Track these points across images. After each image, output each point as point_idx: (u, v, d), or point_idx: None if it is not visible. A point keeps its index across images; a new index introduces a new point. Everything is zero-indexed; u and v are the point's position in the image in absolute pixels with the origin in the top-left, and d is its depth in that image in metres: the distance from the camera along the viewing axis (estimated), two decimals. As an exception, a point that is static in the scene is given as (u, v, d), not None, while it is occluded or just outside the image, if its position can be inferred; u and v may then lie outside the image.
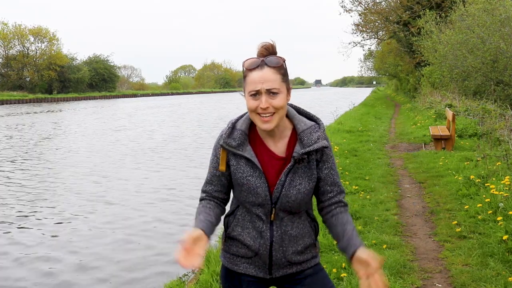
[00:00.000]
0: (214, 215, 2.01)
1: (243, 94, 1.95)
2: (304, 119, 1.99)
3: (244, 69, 1.92)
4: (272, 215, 1.96)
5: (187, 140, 18.58)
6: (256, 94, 1.87)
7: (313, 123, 1.98)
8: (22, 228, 7.53)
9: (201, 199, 2.08)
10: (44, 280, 5.66)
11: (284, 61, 1.92)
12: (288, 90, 1.93)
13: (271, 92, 1.86)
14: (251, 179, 1.94)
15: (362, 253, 1.86)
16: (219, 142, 2.00)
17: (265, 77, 1.86)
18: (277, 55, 1.93)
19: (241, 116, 2.03)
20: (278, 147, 1.97)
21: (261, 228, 1.98)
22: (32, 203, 9.00)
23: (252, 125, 1.99)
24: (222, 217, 2.11)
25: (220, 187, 2.05)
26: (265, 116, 1.87)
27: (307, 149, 1.91)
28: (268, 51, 1.92)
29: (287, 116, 1.97)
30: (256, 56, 1.93)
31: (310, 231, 2.05)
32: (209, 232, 1.92)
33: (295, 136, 1.97)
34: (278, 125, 1.92)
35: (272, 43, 1.94)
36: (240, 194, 1.98)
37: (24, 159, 14.22)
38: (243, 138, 1.96)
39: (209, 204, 2.04)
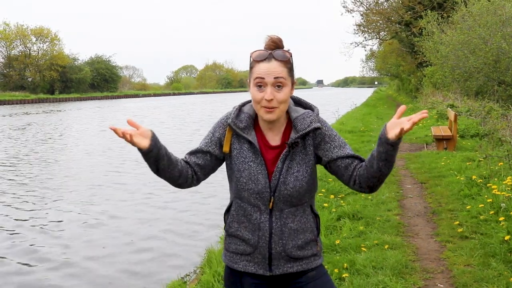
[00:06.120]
0: (178, 160, 1.96)
1: (248, 87, 1.96)
2: (298, 108, 2.00)
3: (252, 60, 1.93)
4: (271, 204, 1.96)
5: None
6: (261, 85, 1.88)
7: (307, 110, 1.99)
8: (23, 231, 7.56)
9: None
10: (41, 277, 5.68)
11: (291, 55, 1.93)
12: (292, 84, 1.94)
13: (277, 85, 1.88)
14: (252, 164, 1.95)
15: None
16: (225, 121, 2.00)
17: (272, 69, 1.87)
18: (284, 48, 1.94)
19: (248, 102, 2.04)
20: (275, 139, 1.99)
21: (258, 220, 1.97)
22: (35, 203, 9.03)
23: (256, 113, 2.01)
24: (222, 215, 2.11)
25: (202, 161, 2.01)
26: (269, 108, 1.88)
27: (300, 133, 1.92)
28: (276, 44, 1.93)
29: None
30: (263, 48, 1.93)
31: (312, 226, 2.04)
32: (159, 143, 1.85)
33: (291, 126, 1.98)
34: (279, 118, 1.93)
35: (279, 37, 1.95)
36: (239, 181, 1.97)
37: (33, 158, 14.27)
38: (250, 122, 1.98)
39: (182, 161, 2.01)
